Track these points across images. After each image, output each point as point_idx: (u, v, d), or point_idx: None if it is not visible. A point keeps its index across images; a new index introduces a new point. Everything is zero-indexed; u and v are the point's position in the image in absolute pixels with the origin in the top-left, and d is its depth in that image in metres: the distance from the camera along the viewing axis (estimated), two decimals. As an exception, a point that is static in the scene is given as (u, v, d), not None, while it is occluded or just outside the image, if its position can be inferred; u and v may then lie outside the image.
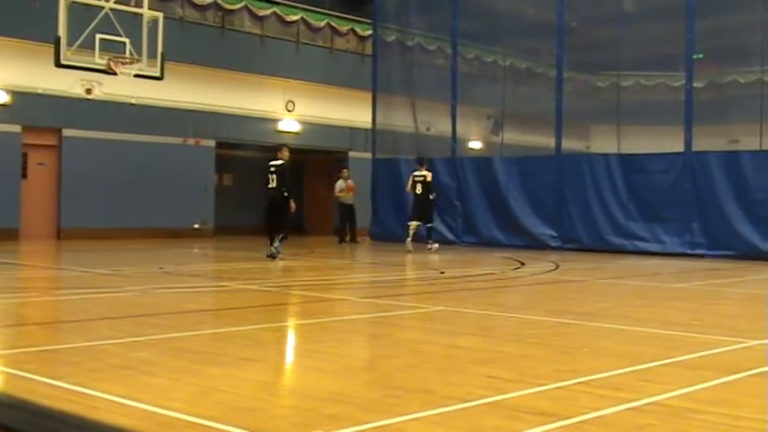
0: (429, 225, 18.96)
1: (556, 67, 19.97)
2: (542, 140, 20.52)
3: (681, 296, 10.49)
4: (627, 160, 18.69)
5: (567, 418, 3.98)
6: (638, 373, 5.17)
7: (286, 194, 14.57)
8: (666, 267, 15.14)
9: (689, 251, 17.30)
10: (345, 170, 22.58)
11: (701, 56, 18.84)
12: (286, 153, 15.01)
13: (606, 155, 19.33)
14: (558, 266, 14.58)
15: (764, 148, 17.38)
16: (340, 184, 22.26)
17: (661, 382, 4.86)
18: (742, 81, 21.07)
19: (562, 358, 5.84)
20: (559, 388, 4.68)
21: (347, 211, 21.94)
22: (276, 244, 14.61)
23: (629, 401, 4.34)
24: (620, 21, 19.97)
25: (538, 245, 19.24)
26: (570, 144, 21.10)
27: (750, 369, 5.29)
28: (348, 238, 21.68)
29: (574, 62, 21.15)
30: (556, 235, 19.30)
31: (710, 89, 21.53)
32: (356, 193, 22.05)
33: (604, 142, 21.22)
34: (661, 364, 5.47)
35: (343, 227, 22.11)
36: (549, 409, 4.19)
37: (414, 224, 18.84)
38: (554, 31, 19.84)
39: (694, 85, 18.26)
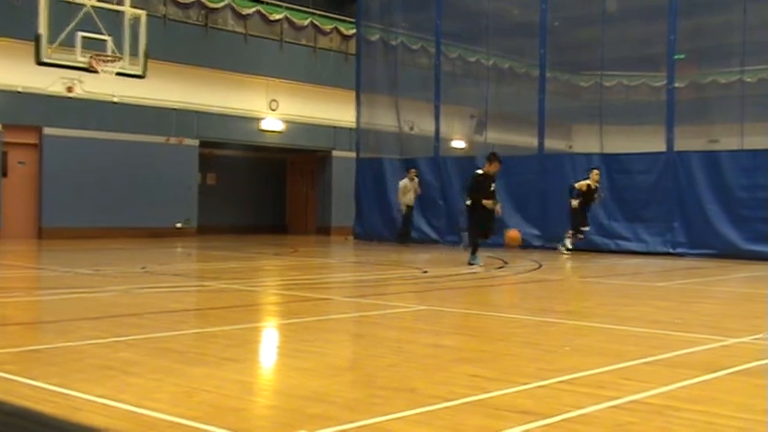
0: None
1: (539, 67, 20.03)
2: (525, 140, 20.57)
3: (662, 295, 10.55)
4: (609, 160, 18.77)
5: (549, 417, 4.00)
6: (620, 372, 5.20)
7: (468, 203, 14.12)
8: (648, 266, 15.22)
9: (670, 250, 17.41)
10: (413, 170, 21.06)
11: (682, 56, 18.95)
12: (490, 166, 14.09)
13: (589, 154, 19.41)
14: (541, 265, 14.63)
15: (745, 147, 17.51)
16: (405, 183, 20.94)
17: (643, 381, 4.89)
18: (722, 81, 21.20)
19: (545, 357, 5.86)
20: (542, 386, 4.70)
21: (408, 212, 21.22)
22: (471, 254, 14.15)
23: (611, 399, 4.37)
24: (603, 21, 20.03)
25: (521, 244, 19.28)
26: (553, 144, 21.17)
27: (731, 367, 5.34)
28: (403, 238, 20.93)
29: (557, 62, 21.22)
30: (539, 234, 19.36)
31: (692, 89, 21.65)
32: (417, 194, 21.01)
33: (587, 142, 21.29)
34: (643, 363, 5.51)
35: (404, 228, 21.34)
36: (532, 408, 4.21)
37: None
38: (537, 31, 19.91)
39: (676, 85, 18.38)
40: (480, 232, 13.98)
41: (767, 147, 16.98)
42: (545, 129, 19.79)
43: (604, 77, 20.94)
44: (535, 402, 4.36)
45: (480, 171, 14.11)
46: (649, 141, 18.62)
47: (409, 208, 20.75)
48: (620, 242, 18.21)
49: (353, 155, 23.57)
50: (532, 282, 12.10)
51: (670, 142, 17.82)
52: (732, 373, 5.22)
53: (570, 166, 19.31)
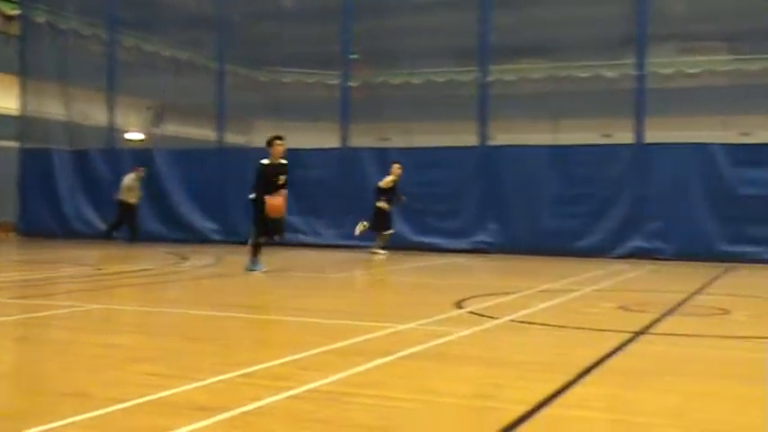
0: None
1: (217, 61, 19.94)
2: (205, 133, 20.40)
3: (340, 286, 10.92)
4: (288, 155, 19.09)
5: (226, 411, 3.96)
6: (298, 362, 5.29)
7: (251, 197, 12.11)
8: (325, 259, 15.70)
9: (345, 242, 18.09)
10: (142, 168, 19.23)
11: (356, 56, 19.80)
12: (274, 151, 12.31)
13: (266, 149, 19.62)
14: (221, 260, 14.56)
15: (414, 145, 18.68)
16: (130, 180, 19.03)
17: (320, 370, 5.00)
18: (392, 82, 22.45)
19: (224, 351, 5.82)
20: (220, 381, 4.65)
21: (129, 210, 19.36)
22: (252, 256, 12.22)
23: (289, 390, 4.41)
24: (281, 17, 20.39)
25: (200, 238, 19.09)
26: (233, 138, 21.18)
27: (400, 352, 5.63)
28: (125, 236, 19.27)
29: (236, 56, 21.24)
30: (218, 228, 19.27)
31: (364, 89, 22.69)
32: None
33: (267, 137, 21.56)
34: (320, 352, 5.64)
35: (119, 225, 19.59)
36: (209, 403, 4.14)
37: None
38: (216, 24, 19.80)
39: (350, 84, 19.17)
40: (264, 230, 12.18)
41: (435, 145, 18.26)
42: (224, 123, 19.75)
43: (283, 74, 21.32)
44: (213, 397, 4.30)
45: (265, 161, 12.26)
46: (327, 137, 19.23)
47: (131, 205, 19.29)
48: (299, 236, 18.61)
49: (16, 144, 21.86)
50: (212, 277, 12.00)
51: (345, 139, 18.55)
52: (402, 357, 5.51)
53: (249, 160, 19.37)
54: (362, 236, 17.48)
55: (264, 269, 12.07)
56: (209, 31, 20.37)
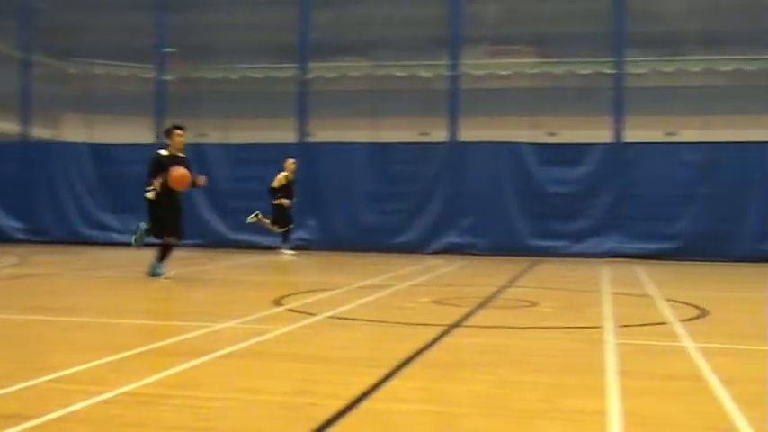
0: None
1: (22, 50, 18.99)
2: (8, 127, 19.38)
3: (155, 285, 10.63)
4: (98, 150, 18.47)
5: (35, 418, 3.78)
6: (110, 365, 5.11)
7: (147, 195, 10.82)
8: (140, 258, 15.22)
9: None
10: None
11: (172, 50, 19.33)
12: (172, 142, 11.01)
13: (76, 144, 18.91)
14: (26, 260, 13.85)
15: (231, 141, 18.45)
16: None
17: (133, 372, 4.86)
18: (210, 77, 22.09)
19: (32, 356, 5.55)
20: (28, 387, 4.43)
21: None
22: (157, 260, 10.92)
23: (101, 394, 4.26)
24: (92, 6, 19.68)
25: (3, 238, 18.09)
26: (39, 132, 20.24)
27: (215, 351, 5.55)
28: None
29: (43, 45, 20.28)
30: (23, 227, 18.32)
31: (181, 83, 22.18)
32: None
33: (76, 131, 20.70)
34: (134, 354, 5.48)
35: None
36: (17, 411, 3.95)
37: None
38: (20, 11, 18.87)
39: (165, 78, 18.72)
40: (169, 231, 11.05)
41: (254, 141, 18.10)
42: (30, 115, 18.84)
43: (93, 65, 20.57)
44: (21, 404, 4.10)
45: (163, 152, 11.02)
46: (139, 133, 18.71)
47: None
48: (111, 234, 17.99)
49: None
50: (17, 277, 11.39)
51: (159, 134, 18.05)
52: (219, 356, 5.44)
53: (57, 155, 18.62)
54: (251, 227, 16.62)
55: (171, 275, 11.04)
56: (12, 17, 19.34)
